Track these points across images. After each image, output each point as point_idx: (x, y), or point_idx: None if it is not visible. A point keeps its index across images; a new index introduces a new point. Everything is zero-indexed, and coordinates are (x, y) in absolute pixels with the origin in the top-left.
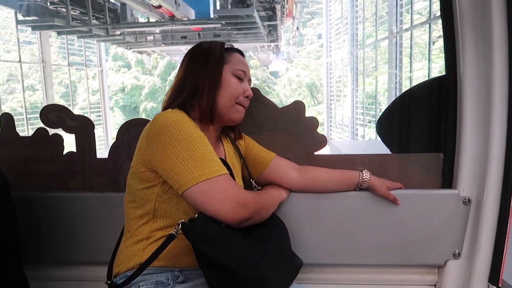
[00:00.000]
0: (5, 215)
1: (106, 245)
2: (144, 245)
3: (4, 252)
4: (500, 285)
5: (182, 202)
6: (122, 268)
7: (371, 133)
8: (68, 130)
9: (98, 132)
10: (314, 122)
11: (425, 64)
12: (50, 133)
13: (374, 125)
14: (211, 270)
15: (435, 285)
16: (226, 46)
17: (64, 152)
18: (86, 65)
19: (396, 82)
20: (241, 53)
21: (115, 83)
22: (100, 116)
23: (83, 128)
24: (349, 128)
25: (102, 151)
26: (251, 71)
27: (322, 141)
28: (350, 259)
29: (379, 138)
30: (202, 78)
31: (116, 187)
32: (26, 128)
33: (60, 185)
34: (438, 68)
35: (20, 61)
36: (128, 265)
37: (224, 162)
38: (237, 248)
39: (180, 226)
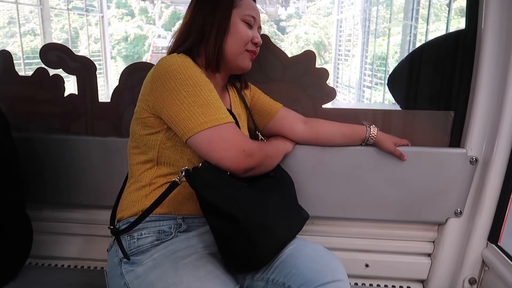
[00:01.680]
0: (6, 154)
1: (108, 190)
2: (147, 191)
3: (6, 192)
4: (499, 244)
5: (187, 150)
6: (125, 214)
7: (377, 96)
8: (69, 71)
9: (99, 81)
10: (324, 73)
11: (439, 26)
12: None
13: (382, 88)
14: (215, 216)
15: (433, 242)
16: None
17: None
18: (86, 10)
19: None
20: None
21: (118, 32)
22: (101, 65)
23: (85, 69)
24: (355, 90)
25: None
26: None
27: (331, 93)
28: (351, 213)
29: (386, 102)
30: (210, 23)
31: (118, 132)
32: (24, 73)
33: (61, 127)
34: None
35: (16, 1)
36: (131, 211)
37: (230, 112)
38: (242, 195)
39: (183, 174)
